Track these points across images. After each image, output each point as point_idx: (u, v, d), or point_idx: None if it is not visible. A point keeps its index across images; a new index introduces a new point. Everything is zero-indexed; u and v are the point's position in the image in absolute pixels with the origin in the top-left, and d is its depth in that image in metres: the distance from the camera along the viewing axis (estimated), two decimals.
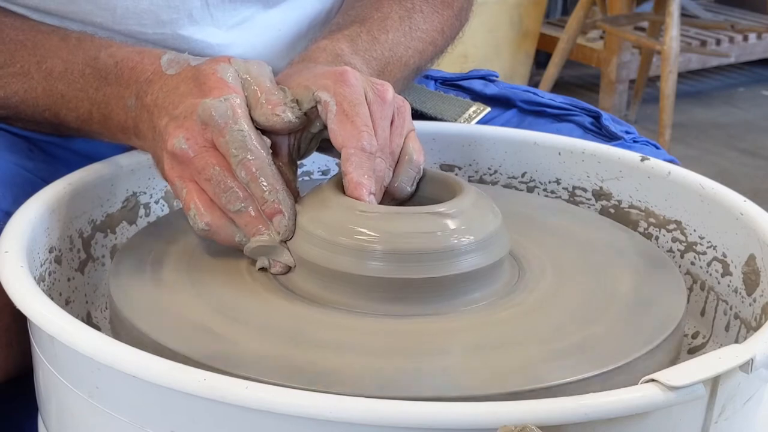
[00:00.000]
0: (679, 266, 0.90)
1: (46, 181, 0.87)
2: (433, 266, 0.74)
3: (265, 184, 0.77)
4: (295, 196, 0.79)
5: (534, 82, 3.48)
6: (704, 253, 0.89)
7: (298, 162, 0.82)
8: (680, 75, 3.41)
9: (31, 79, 0.91)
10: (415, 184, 0.82)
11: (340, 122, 0.77)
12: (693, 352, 0.86)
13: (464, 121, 1.08)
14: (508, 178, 1.01)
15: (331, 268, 0.75)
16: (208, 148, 0.78)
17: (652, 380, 0.62)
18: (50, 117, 0.92)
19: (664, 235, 0.92)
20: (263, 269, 0.79)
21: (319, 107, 0.79)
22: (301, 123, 0.80)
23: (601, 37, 3.52)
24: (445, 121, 1.07)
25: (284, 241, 0.77)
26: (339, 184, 0.78)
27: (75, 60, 0.90)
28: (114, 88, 0.87)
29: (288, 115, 0.79)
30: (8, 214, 0.81)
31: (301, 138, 0.82)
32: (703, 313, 0.89)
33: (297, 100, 0.80)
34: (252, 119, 0.78)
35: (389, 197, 0.81)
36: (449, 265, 0.75)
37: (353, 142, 0.77)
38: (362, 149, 0.77)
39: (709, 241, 0.88)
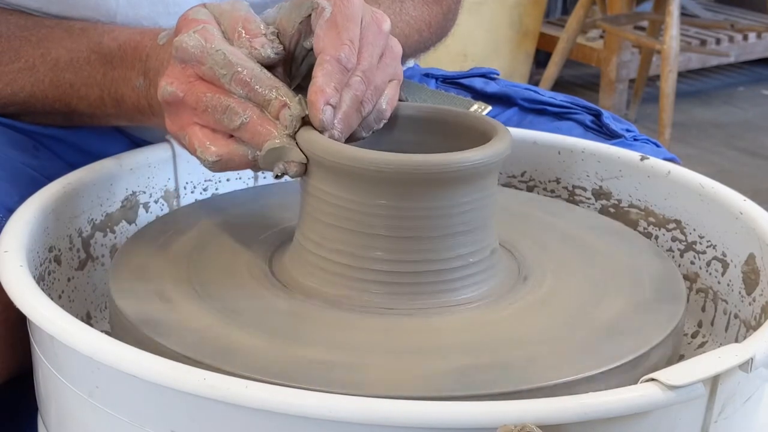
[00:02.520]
0: (679, 265, 0.90)
1: (51, 180, 0.87)
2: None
3: (264, 85, 0.75)
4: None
5: (534, 82, 3.48)
6: (704, 253, 0.89)
7: None
8: (680, 74, 3.41)
9: (38, 72, 0.92)
10: (370, 133, 0.80)
11: (327, 30, 0.75)
12: (693, 351, 0.86)
13: None
14: (508, 177, 1.01)
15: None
16: (194, 81, 0.76)
17: (652, 379, 0.62)
18: (61, 108, 0.93)
19: (663, 235, 0.92)
20: (280, 176, 0.76)
21: (313, 14, 0.77)
22: (280, 58, 0.78)
23: (601, 37, 3.52)
24: None
25: (292, 137, 0.75)
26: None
27: (79, 48, 0.90)
28: (120, 71, 0.88)
29: (267, 51, 0.77)
30: (13, 212, 0.81)
31: (295, 52, 0.80)
32: (702, 313, 0.89)
33: (290, 15, 0.78)
34: None
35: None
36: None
37: (331, 50, 0.75)
38: (338, 60, 0.75)
39: (709, 241, 0.88)
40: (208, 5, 0.80)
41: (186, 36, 0.76)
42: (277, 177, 0.77)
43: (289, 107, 0.75)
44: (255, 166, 0.77)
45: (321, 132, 0.75)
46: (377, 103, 0.79)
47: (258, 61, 0.77)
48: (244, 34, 0.77)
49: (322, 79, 0.74)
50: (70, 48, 0.91)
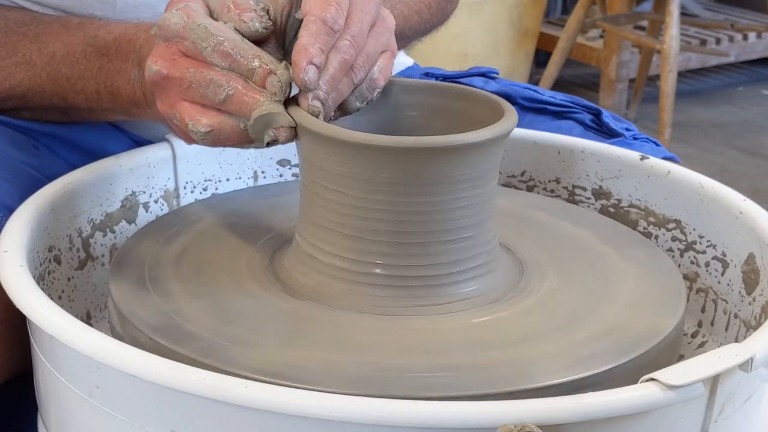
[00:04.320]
0: (679, 265, 0.90)
1: (51, 179, 0.87)
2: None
3: (247, 54, 0.74)
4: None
5: (533, 81, 3.47)
6: (704, 252, 0.89)
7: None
8: (680, 74, 3.41)
9: (34, 66, 0.92)
10: (365, 103, 0.79)
11: None
12: (693, 351, 0.86)
13: None
14: (508, 177, 1.01)
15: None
16: (178, 58, 0.76)
17: (652, 379, 0.62)
18: (58, 102, 0.93)
19: (663, 234, 0.92)
20: (271, 143, 0.76)
21: None
22: (268, 32, 0.77)
23: (601, 36, 3.51)
24: None
25: (281, 103, 0.75)
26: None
27: (76, 42, 0.90)
28: (116, 64, 0.88)
29: (255, 25, 0.76)
30: (13, 212, 0.81)
31: (287, 27, 0.79)
32: (702, 313, 0.89)
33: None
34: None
35: (337, 110, 0.78)
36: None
37: (317, 11, 0.74)
38: (323, 21, 0.73)
39: (709, 240, 0.88)
40: None
41: (169, 14, 0.76)
42: (268, 145, 0.76)
43: (275, 74, 0.74)
44: (248, 138, 0.76)
45: (306, 92, 0.74)
46: (370, 72, 0.78)
47: (247, 36, 0.76)
48: (233, 8, 0.76)
49: (306, 38, 0.73)
50: (66, 42, 0.91)
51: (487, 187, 0.77)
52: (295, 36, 0.77)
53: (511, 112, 0.77)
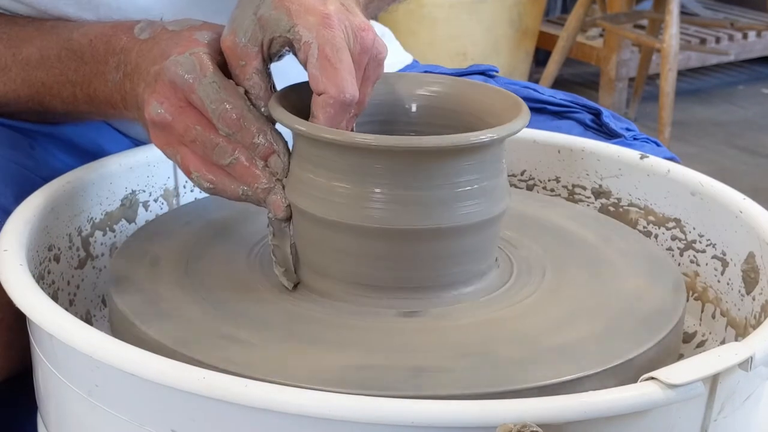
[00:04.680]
0: (679, 264, 0.90)
1: (46, 180, 0.87)
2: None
3: (252, 129, 0.75)
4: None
5: (533, 80, 3.47)
6: (703, 251, 0.89)
7: None
8: (680, 73, 3.41)
9: (9, 72, 0.91)
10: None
11: (323, 68, 0.73)
12: (692, 350, 0.86)
13: None
14: (508, 176, 1.00)
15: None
16: (185, 107, 0.76)
17: (652, 378, 0.62)
18: (34, 106, 0.92)
19: (663, 233, 0.92)
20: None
21: (296, 44, 0.75)
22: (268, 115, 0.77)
23: (601, 35, 3.51)
24: None
25: (280, 181, 0.76)
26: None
27: (50, 45, 0.89)
28: (92, 66, 0.87)
29: (261, 104, 0.77)
30: (9, 212, 0.81)
31: (270, 53, 0.78)
32: (702, 311, 0.89)
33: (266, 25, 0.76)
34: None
35: None
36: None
37: (334, 90, 0.73)
38: (343, 101, 0.73)
39: (709, 239, 0.88)
40: (212, 27, 0.79)
41: (182, 58, 0.76)
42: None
43: (279, 155, 0.76)
44: (245, 201, 0.78)
45: None
46: (362, 108, 0.79)
47: (252, 102, 0.76)
48: (240, 76, 0.76)
49: (324, 122, 0.74)
50: (40, 46, 0.90)
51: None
52: (281, 56, 0.78)
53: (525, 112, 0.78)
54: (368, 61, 0.77)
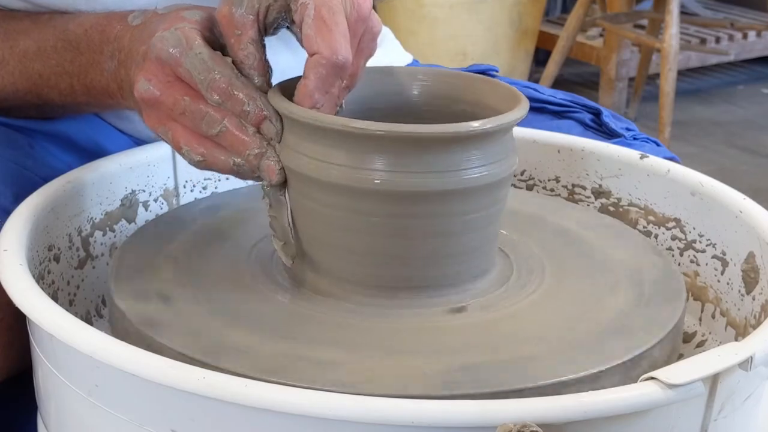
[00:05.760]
0: (679, 264, 0.90)
1: (46, 179, 0.87)
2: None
3: (241, 96, 0.75)
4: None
5: (533, 80, 3.47)
6: (703, 251, 0.89)
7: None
8: (680, 73, 3.41)
9: (7, 65, 0.91)
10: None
11: (318, 28, 0.73)
12: (692, 350, 0.86)
13: None
14: None
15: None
16: (173, 82, 0.76)
17: (652, 378, 0.62)
18: (33, 99, 0.92)
19: (663, 233, 0.92)
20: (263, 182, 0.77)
21: (293, 5, 0.75)
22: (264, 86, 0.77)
23: (601, 35, 3.51)
24: None
25: (273, 147, 0.76)
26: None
27: (46, 37, 0.89)
28: (88, 56, 0.87)
29: (254, 75, 0.76)
30: (8, 212, 0.81)
31: (266, 20, 0.77)
32: (702, 311, 0.89)
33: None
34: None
35: None
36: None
37: (327, 51, 0.73)
38: (335, 63, 0.73)
39: (709, 239, 0.88)
40: (204, 9, 0.79)
41: (168, 33, 0.76)
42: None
43: (270, 120, 0.75)
44: (236, 173, 0.77)
45: None
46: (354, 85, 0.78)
47: (245, 74, 0.76)
48: (235, 45, 0.76)
49: (314, 83, 0.73)
50: (37, 38, 0.90)
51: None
52: (276, 28, 0.77)
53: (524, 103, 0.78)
54: (363, 32, 0.77)
